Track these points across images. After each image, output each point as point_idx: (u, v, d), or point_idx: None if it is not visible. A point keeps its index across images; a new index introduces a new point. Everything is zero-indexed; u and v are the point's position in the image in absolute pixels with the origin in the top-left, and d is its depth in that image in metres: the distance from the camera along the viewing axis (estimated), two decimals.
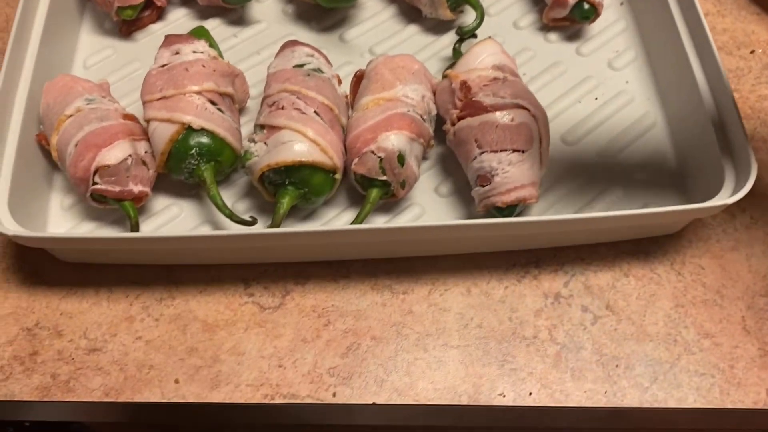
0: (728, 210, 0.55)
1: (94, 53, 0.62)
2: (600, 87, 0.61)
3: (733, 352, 0.49)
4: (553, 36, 0.64)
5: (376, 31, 0.64)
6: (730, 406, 0.47)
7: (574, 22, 0.63)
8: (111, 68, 0.61)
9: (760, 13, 0.67)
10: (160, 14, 0.64)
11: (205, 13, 0.65)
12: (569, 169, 0.56)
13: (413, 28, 0.64)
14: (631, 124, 0.58)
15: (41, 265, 0.52)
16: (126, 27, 0.62)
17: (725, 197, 0.49)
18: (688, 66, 0.55)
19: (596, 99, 0.60)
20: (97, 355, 0.49)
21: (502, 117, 0.49)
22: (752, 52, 0.64)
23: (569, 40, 0.64)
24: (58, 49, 0.59)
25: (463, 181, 0.54)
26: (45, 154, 0.54)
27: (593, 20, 0.62)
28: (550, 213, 0.53)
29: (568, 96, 0.60)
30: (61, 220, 0.53)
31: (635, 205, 0.54)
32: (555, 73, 0.61)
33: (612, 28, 0.64)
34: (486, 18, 0.60)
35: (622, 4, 0.66)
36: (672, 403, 0.47)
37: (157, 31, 0.64)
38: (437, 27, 0.64)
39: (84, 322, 0.50)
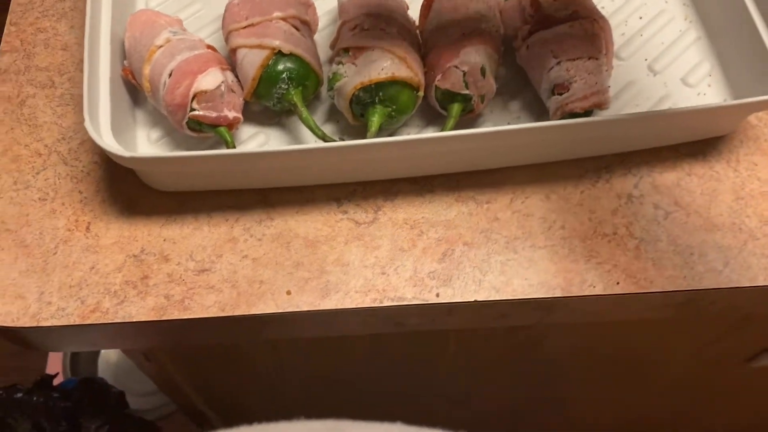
0: None
1: None
2: (642, 8, 0.64)
3: None
4: None
5: None
6: None
7: None
8: (173, 9, 0.62)
9: None
10: None
11: None
12: (626, 83, 0.59)
13: None
14: (675, 39, 0.62)
15: (136, 196, 0.53)
16: None
17: None
18: None
19: (641, 18, 0.63)
20: (207, 275, 0.50)
21: (575, 28, 0.52)
22: None
23: None
24: None
25: (531, 98, 0.57)
26: (129, 88, 0.55)
27: None
28: None
29: (615, 17, 0.63)
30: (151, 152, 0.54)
31: None
32: None
33: None
34: None
35: None
36: (745, 283, 0.52)
37: None
38: None
39: (188, 246, 0.52)
